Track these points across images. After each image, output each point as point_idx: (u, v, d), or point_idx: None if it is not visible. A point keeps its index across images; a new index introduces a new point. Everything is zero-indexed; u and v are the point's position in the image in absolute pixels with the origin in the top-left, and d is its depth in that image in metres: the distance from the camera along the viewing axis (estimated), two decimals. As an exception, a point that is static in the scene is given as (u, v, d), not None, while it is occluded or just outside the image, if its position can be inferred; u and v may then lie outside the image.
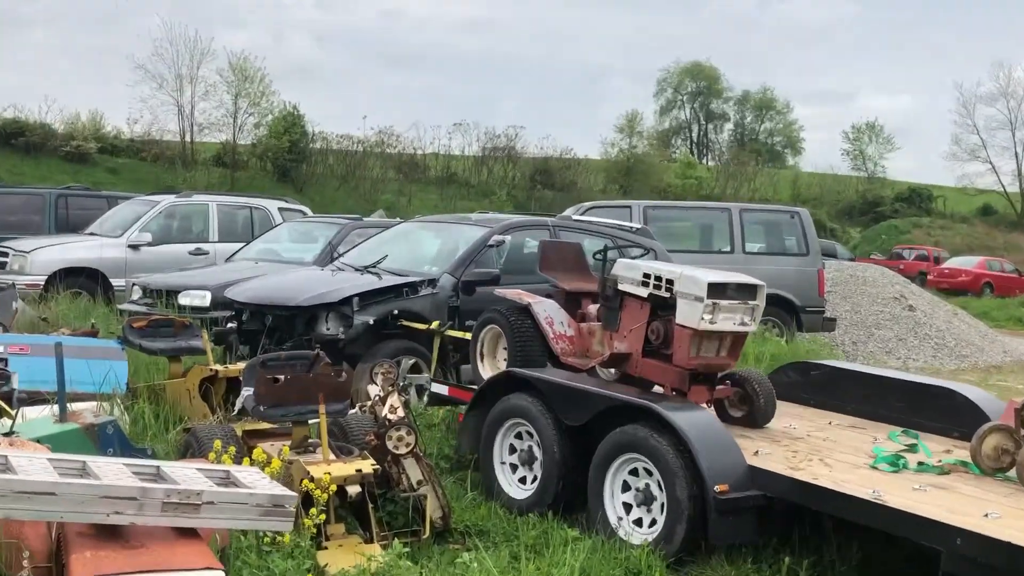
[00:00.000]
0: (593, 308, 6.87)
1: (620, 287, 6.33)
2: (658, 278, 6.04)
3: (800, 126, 73.60)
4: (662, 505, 5.07)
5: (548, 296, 7.02)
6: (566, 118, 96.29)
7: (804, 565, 4.93)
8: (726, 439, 5.13)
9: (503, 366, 6.81)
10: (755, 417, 6.17)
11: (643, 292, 6.14)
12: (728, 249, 13.77)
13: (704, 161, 66.94)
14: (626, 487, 5.33)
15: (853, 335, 15.58)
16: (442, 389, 7.24)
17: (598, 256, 6.92)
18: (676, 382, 5.96)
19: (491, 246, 8.69)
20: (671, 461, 4.98)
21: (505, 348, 6.84)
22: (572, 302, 6.99)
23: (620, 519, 5.29)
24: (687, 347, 5.83)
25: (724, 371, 6.19)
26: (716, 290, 5.71)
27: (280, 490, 3.67)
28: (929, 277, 32.87)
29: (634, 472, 5.28)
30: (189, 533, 3.48)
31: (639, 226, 10.67)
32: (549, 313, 6.74)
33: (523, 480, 5.99)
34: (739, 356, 6.14)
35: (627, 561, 4.94)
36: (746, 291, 5.83)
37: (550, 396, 5.85)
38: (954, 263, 34.73)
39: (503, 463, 6.11)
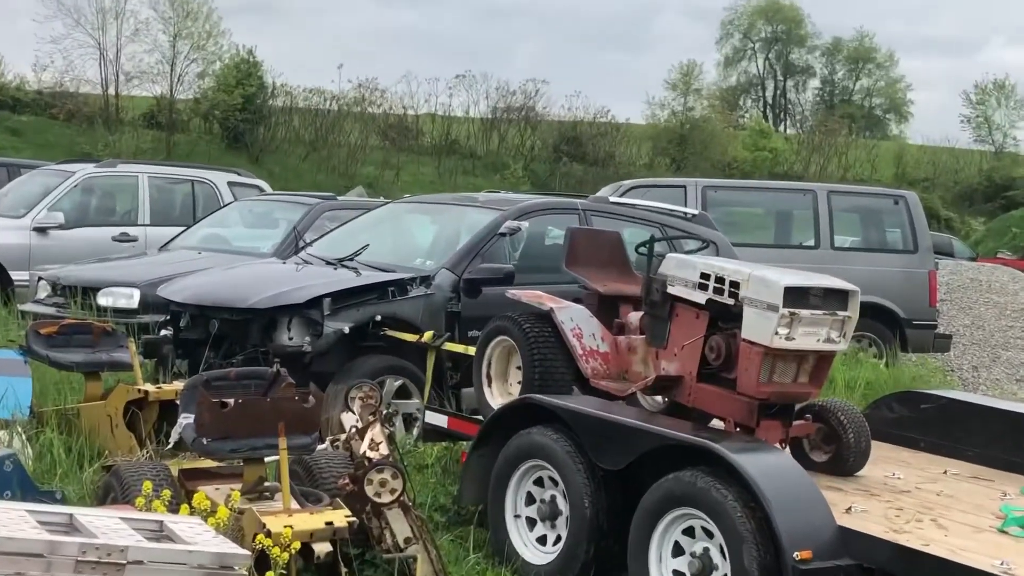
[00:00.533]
0: (635, 317, 6.88)
1: (670, 290, 6.31)
2: (720, 279, 6.01)
3: (907, 84, 73.63)
4: None
5: (577, 301, 7.05)
6: (601, 70, 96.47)
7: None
8: (810, 491, 5.09)
9: (516, 390, 6.84)
10: (843, 462, 6.18)
11: (700, 297, 6.12)
12: (812, 243, 13.82)
13: (781, 128, 67.02)
14: (678, 551, 5.29)
15: (974, 357, 15.60)
16: (439, 420, 7.23)
17: (642, 250, 6.93)
18: (741, 415, 5.96)
19: (503, 235, 8.75)
20: (738, 519, 4.94)
21: (519, 367, 6.87)
22: (607, 309, 7.01)
23: None
24: (756, 370, 5.81)
25: (804, 402, 6.20)
26: (795, 296, 5.68)
27: (228, 547, 3.71)
28: (1074, 283, 32.80)
29: (689, 532, 5.25)
30: (109, 601, 3.52)
31: (696, 212, 10.73)
32: (577, 322, 6.75)
33: (543, 540, 5.99)
34: (824, 383, 6.15)
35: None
36: (834, 298, 5.81)
37: (581, 431, 5.81)
38: (1107, 265, 34.64)
39: (517, 517, 6.10)
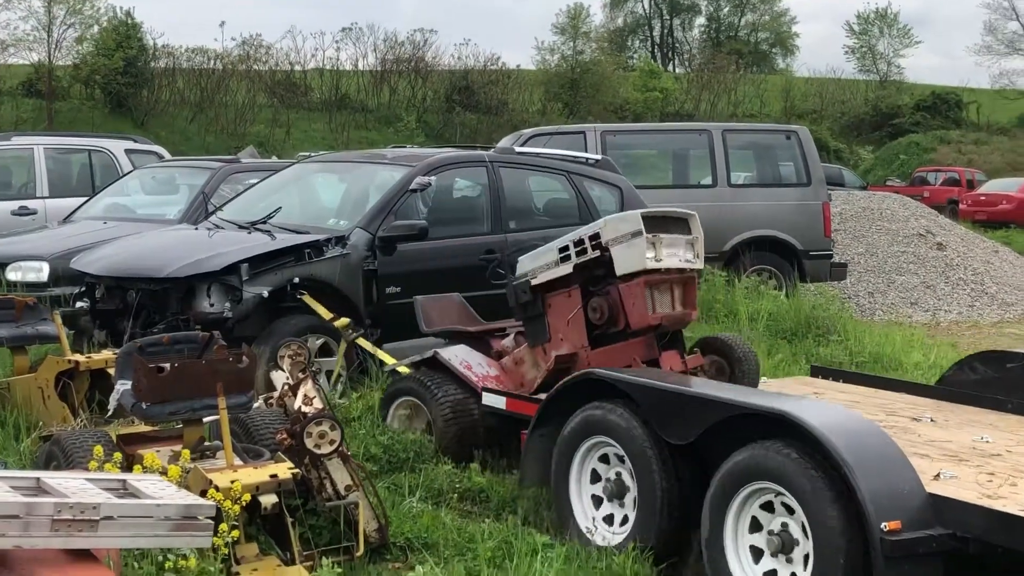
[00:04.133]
0: (507, 341, 7.41)
1: (535, 282, 6.83)
2: (578, 242, 6.60)
3: (792, 17, 74.65)
4: (806, 556, 4.72)
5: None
6: (489, 17, 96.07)
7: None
8: (896, 457, 4.74)
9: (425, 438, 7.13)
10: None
11: (566, 269, 6.66)
12: (709, 182, 14.21)
13: (670, 68, 67.56)
14: (756, 527, 4.99)
15: (869, 284, 16.13)
16: (498, 401, 6.85)
17: (497, 268, 7.37)
18: (643, 352, 6.47)
19: (414, 191, 8.90)
20: (820, 493, 4.60)
21: (428, 420, 7.18)
22: (480, 345, 7.43)
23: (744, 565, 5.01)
24: (642, 300, 6.37)
25: (686, 325, 6.75)
26: (651, 222, 6.34)
27: (193, 499, 3.93)
28: (961, 206, 33.79)
29: (767, 507, 4.94)
30: (84, 556, 3.73)
31: (599, 157, 10.98)
32: (462, 357, 7.16)
33: (609, 520, 5.73)
34: (696, 305, 6.73)
35: (608, 571, 5.30)
36: (679, 224, 6.52)
37: (645, 405, 5.52)
38: (992, 187, 35.63)
39: (581, 490, 5.86)
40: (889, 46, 64.32)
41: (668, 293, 6.43)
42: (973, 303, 15.80)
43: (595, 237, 6.48)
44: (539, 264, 6.80)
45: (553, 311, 6.81)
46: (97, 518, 3.67)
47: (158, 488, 4.01)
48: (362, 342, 8.12)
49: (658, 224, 6.38)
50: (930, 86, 59.19)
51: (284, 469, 5.19)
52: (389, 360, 7.94)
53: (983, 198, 34.23)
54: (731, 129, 15.10)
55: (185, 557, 4.48)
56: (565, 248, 6.65)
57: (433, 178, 8.99)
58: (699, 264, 6.57)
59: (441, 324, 7.61)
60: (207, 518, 3.89)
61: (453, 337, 7.49)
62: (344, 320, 8.07)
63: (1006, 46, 59.05)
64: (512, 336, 7.35)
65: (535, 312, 6.88)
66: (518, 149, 10.72)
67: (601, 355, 6.60)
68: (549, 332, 6.83)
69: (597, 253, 6.46)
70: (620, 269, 6.38)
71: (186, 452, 5.18)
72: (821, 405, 5.40)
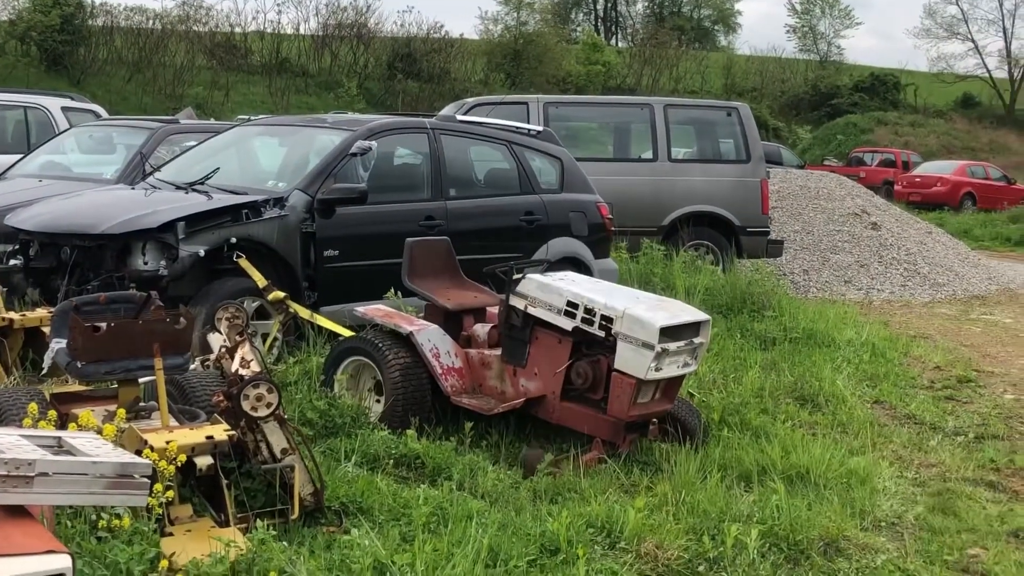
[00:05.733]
0: (481, 329, 7.33)
1: (532, 311, 6.77)
2: (589, 311, 6.53)
3: (735, -5, 74.86)
4: None
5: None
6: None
7: None
8: None
9: (370, 400, 7.16)
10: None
11: (566, 324, 6.62)
12: (650, 156, 14.27)
13: (613, 42, 67.65)
14: None
15: (804, 261, 16.30)
16: None
17: (500, 272, 7.26)
18: (609, 434, 6.52)
19: (354, 155, 8.87)
20: None
21: (375, 378, 7.18)
22: (453, 322, 7.38)
23: None
24: (628, 398, 6.39)
25: (660, 415, 6.72)
26: (667, 334, 6.30)
27: (129, 457, 3.91)
28: (896, 187, 34.27)
29: None
30: (18, 512, 3.70)
31: (540, 128, 11.00)
32: (434, 343, 7.09)
33: None
34: (676, 397, 6.78)
35: (543, 537, 5.34)
36: (692, 329, 6.49)
37: None
38: (927, 169, 36.16)
39: None
40: (830, 26, 65.01)
41: (652, 390, 6.48)
42: (905, 283, 16.00)
43: (607, 319, 6.42)
44: (543, 298, 6.71)
45: (538, 345, 6.79)
46: (32, 474, 3.64)
47: (94, 446, 3.99)
48: (299, 309, 8.09)
49: (671, 333, 6.34)
50: (869, 67, 59.84)
51: (220, 431, 5.16)
52: (344, 332, 7.86)
53: (918, 180, 34.71)
54: (673, 104, 15.15)
55: (119, 516, 4.47)
56: (574, 304, 6.57)
57: (374, 143, 8.96)
58: (694, 367, 6.63)
59: (425, 275, 7.54)
60: (143, 477, 3.87)
61: (429, 309, 7.46)
62: (278, 293, 8.02)
63: (945, 30, 59.95)
64: (487, 328, 7.27)
65: (520, 336, 6.84)
66: (460, 118, 10.72)
67: (569, 411, 6.68)
68: (527, 361, 6.82)
69: (602, 333, 6.44)
70: (619, 365, 6.38)
71: (121, 412, 5.15)
72: None
